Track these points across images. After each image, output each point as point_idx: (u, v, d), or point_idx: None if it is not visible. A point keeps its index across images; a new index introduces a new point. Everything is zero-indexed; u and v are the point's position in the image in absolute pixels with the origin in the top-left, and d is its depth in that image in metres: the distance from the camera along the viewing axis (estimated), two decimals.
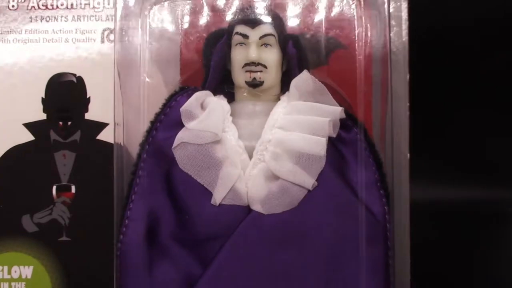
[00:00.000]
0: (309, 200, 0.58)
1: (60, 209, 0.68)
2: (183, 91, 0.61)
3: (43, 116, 0.69)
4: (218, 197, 0.58)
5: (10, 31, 0.69)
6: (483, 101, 0.82)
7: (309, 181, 0.58)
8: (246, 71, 0.60)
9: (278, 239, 0.58)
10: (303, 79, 0.60)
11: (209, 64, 0.62)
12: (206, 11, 0.63)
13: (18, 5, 0.69)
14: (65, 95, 0.69)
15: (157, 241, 0.60)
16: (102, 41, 0.69)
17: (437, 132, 0.81)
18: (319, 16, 0.63)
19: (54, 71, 0.69)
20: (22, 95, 0.68)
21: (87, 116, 0.69)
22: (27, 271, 0.68)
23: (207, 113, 0.59)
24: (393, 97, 0.61)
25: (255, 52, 0.60)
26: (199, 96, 0.60)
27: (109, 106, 0.67)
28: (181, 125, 0.60)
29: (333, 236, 0.58)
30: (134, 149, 0.62)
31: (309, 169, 0.58)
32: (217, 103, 0.60)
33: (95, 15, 0.69)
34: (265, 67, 0.60)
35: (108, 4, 0.69)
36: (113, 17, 0.68)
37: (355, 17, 0.62)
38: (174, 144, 0.59)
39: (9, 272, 0.68)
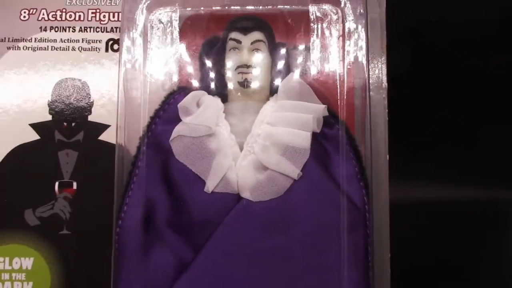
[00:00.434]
0: (295, 189, 0.63)
1: (62, 204, 0.71)
2: (181, 90, 0.67)
3: (49, 118, 0.73)
4: (210, 185, 0.63)
5: (21, 39, 0.74)
6: (465, 100, 0.85)
7: (295, 171, 0.63)
8: (239, 73, 0.66)
9: (265, 224, 0.62)
10: (290, 82, 0.66)
11: (205, 67, 0.67)
12: (204, 19, 0.68)
13: (29, 16, 0.75)
14: (70, 98, 0.73)
15: (153, 227, 0.64)
16: (107, 50, 0.74)
17: (415, 130, 0.84)
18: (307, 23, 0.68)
19: (61, 76, 0.74)
20: (30, 98, 0.73)
21: (90, 118, 0.73)
22: (27, 263, 0.71)
23: (202, 109, 0.65)
24: (372, 97, 0.66)
25: (247, 56, 0.66)
26: (195, 94, 0.66)
27: (111, 109, 0.72)
28: (178, 120, 0.65)
29: (317, 222, 0.63)
30: (133, 150, 0.66)
31: (295, 160, 0.63)
32: (212, 101, 0.66)
33: (101, 27, 0.75)
34: (256, 69, 0.65)
35: (113, 17, 0.75)
36: (117, 29, 0.74)
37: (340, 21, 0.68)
38: (172, 137, 0.64)
39: (10, 263, 0.71)
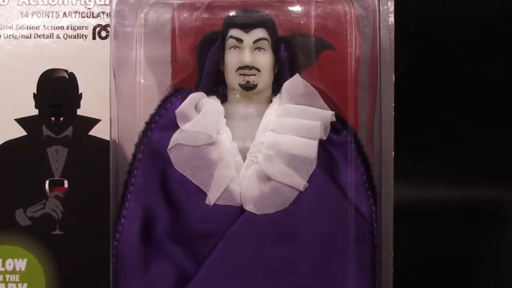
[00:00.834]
0: (300, 200, 0.60)
1: (53, 203, 0.69)
2: (178, 93, 0.63)
3: (35, 112, 0.69)
4: (212, 197, 0.60)
5: (1, 27, 0.69)
6: (470, 102, 0.85)
7: (301, 182, 0.60)
8: (240, 74, 0.61)
9: (270, 238, 0.60)
10: (294, 83, 0.62)
11: (203, 66, 0.63)
12: (202, 13, 0.63)
13: (8, 1, 0.69)
14: (57, 91, 0.69)
15: (152, 239, 0.62)
16: (94, 38, 0.70)
17: (423, 133, 0.84)
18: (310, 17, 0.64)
19: (46, 67, 0.69)
20: (14, 91, 0.69)
21: (79, 112, 0.70)
22: (21, 264, 0.70)
23: (202, 115, 0.61)
24: (380, 98, 0.63)
25: (249, 56, 0.61)
26: (193, 97, 0.62)
27: (101, 102, 0.68)
28: (175, 126, 0.62)
29: (323, 235, 0.61)
30: (128, 147, 0.63)
31: (301, 170, 0.60)
32: (212, 105, 0.62)
33: (87, 12, 0.70)
34: (259, 70, 0.61)
35: (100, 0, 0.70)
36: (104, 14, 0.68)
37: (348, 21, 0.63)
38: (170, 145, 0.61)
39: (3, 265, 0.69)
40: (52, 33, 0.70)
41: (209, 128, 0.61)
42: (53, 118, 0.70)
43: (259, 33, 0.62)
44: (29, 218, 0.70)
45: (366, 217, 0.62)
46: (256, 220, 0.60)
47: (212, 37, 0.63)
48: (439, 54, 0.85)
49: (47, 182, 0.70)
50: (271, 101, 0.64)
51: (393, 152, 0.63)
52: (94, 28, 0.70)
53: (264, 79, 0.62)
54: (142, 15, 0.64)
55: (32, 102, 0.69)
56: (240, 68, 0.62)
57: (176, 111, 0.61)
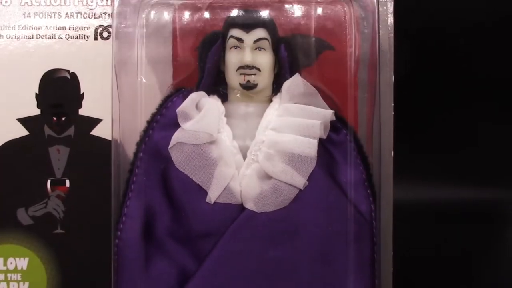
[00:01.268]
0: (300, 199, 0.61)
1: (55, 203, 0.69)
2: (179, 92, 0.63)
3: (37, 112, 0.70)
4: (212, 195, 0.61)
5: (4, 27, 0.70)
6: (469, 101, 0.85)
7: (301, 181, 0.60)
8: (241, 74, 0.62)
9: (270, 236, 0.61)
10: (295, 83, 0.63)
11: (204, 65, 0.63)
12: (203, 13, 0.64)
13: (11, 1, 0.70)
14: (58, 91, 0.69)
15: (153, 237, 0.62)
16: (96, 38, 0.70)
17: (423, 132, 0.84)
18: (310, 18, 0.65)
19: (48, 67, 0.70)
20: (16, 91, 0.69)
21: (81, 111, 0.70)
22: (22, 263, 0.70)
23: (203, 114, 0.61)
24: (379, 99, 0.63)
25: (250, 56, 0.62)
26: (194, 97, 0.62)
27: (103, 102, 0.68)
28: (177, 125, 0.62)
29: (323, 233, 0.61)
30: (129, 146, 0.63)
31: (301, 169, 0.61)
32: (212, 104, 0.62)
33: (89, 12, 0.70)
34: (259, 70, 0.62)
35: (102, 1, 0.70)
36: (106, 15, 0.69)
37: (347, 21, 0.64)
38: (171, 144, 0.61)
39: (5, 264, 0.70)
40: (54, 34, 0.70)
41: (209, 127, 0.61)
42: (55, 118, 0.70)
43: (260, 33, 0.62)
44: (31, 217, 0.70)
45: (366, 216, 0.63)
46: (256, 218, 0.61)
47: (213, 37, 0.64)
48: (439, 54, 0.85)
49: (48, 182, 0.70)
50: (271, 101, 0.64)
51: (392, 152, 0.64)
52: (96, 29, 0.71)
53: (264, 79, 0.63)
54: (143, 16, 0.64)
55: (34, 102, 0.70)
56: (240, 67, 0.62)
57: (177, 110, 0.62)
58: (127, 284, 0.62)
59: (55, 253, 0.70)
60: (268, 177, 0.61)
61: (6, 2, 0.70)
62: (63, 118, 0.70)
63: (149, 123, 0.63)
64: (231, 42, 0.63)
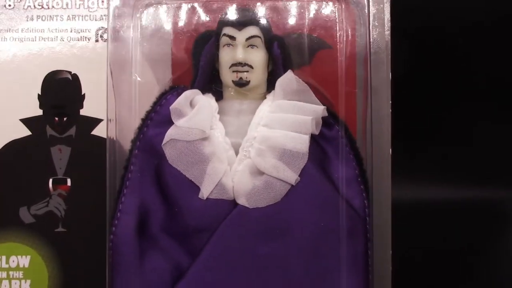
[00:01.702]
0: (292, 194, 0.61)
1: (56, 201, 0.71)
2: (173, 90, 0.64)
3: (40, 112, 0.71)
4: (205, 191, 0.61)
5: (7, 30, 0.71)
6: (466, 99, 0.85)
7: (292, 176, 0.60)
8: (233, 71, 0.62)
9: (262, 231, 0.61)
10: (287, 79, 0.63)
11: (198, 64, 0.64)
12: (197, 12, 0.65)
13: (14, 5, 0.72)
14: (60, 91, 0.71)
15: (148, 233, 0.63)
16: (96, 40, 0.71)
17: (419, 130, 0.84)
18: (304, 17, 0.65)
19: (50, 69, 0.71)
20: (19, 92, 0.71)
21: (82, 112, 0.71)
22: (24, 261, 0.71)
23: (196, 111, 0.62)
24: (375, 95, 0.63)
25: (242, 53, 0.62)
26: (188, 94, 0.63)
27: (103, 103, 0.69)
28: (170, 122, 0.63)
29: (315, 229, 0.61)
30: (126, 144, 0.64)
31: (292, 165, 0.61)
32: (206, 101, 0.63)
33: (89, 15, 0.72)
34: (251, 67, 0.62)
35: (102, 3, 0.72)
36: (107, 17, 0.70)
37: (338, 18, 0.64)
38: (164, 141, 0.62)
39: (7, 262, 0.71)
40: (56, 36, 0.72)
41: (202, 124, 0.62)
42: (56, 118, 0.71)
43: (252, 30, 0.63)
44: (33, 216, 0.71)
45: (359, 212, 0.62)
46: (249, 214, 0.61)
47: (206, 36, 0.64)
48: (437, 52, 0.85)
49: (50, 181, 0.71)
50: (265, 98, 0.64)
51: (390, 151, 0.63)
52: (97, 31, 0.72)
53: (257, 76, 0.63)
54: (138, 15, 0.65)
55: (37, 103, 0.71)
56: (233, 65, 0.63)
57: (170, 108, 0.62)
58: (122, 279, 0.62)
59: (56, 251, 0.71)
60: (260, 172, 0.61)
61: (9, 5, 0.72)
62: (65, 119, 0.72)
63: (144, 120, 0.64)
64: (224, 40, 0.63)
